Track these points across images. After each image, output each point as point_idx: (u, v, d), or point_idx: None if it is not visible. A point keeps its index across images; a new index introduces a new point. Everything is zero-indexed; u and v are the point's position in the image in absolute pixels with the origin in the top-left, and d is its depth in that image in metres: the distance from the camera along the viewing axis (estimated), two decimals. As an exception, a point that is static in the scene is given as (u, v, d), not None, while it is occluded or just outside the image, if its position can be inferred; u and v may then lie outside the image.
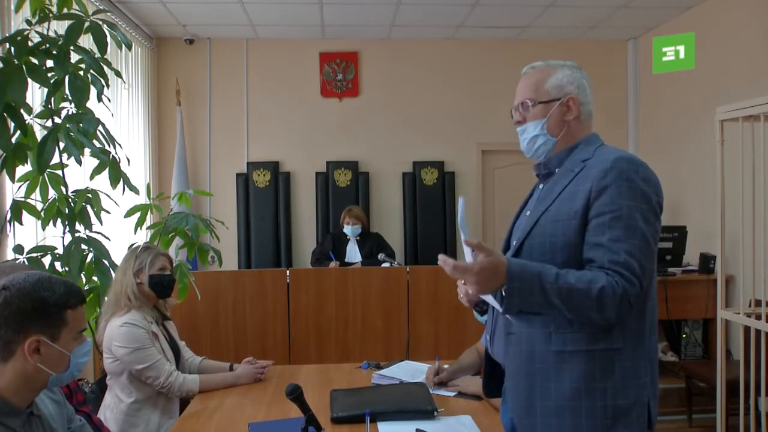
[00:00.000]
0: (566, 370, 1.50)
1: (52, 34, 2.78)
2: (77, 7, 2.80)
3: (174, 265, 2.90)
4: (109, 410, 2.54)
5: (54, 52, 2.68)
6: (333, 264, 4.90)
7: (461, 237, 1.48)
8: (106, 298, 2.68)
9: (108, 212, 3.04)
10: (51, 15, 2.76)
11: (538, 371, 1.53)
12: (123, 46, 2.88)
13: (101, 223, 2.99)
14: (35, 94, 3.33)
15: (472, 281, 1.45)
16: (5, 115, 2.54)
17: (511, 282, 1.44)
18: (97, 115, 2.86)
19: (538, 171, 1.72)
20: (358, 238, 5.11)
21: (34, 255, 2.77)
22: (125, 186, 2.96)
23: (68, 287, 1.52)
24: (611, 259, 1.45)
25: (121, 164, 2.96)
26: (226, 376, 2.68)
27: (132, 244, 2.91)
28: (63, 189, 2.89)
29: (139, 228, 3.44)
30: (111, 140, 2.91)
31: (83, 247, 2.80)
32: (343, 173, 5.86)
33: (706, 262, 4.58)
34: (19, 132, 2.61)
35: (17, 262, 2.65)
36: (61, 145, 2.74)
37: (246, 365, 2.72)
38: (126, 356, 2.48)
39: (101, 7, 4.22)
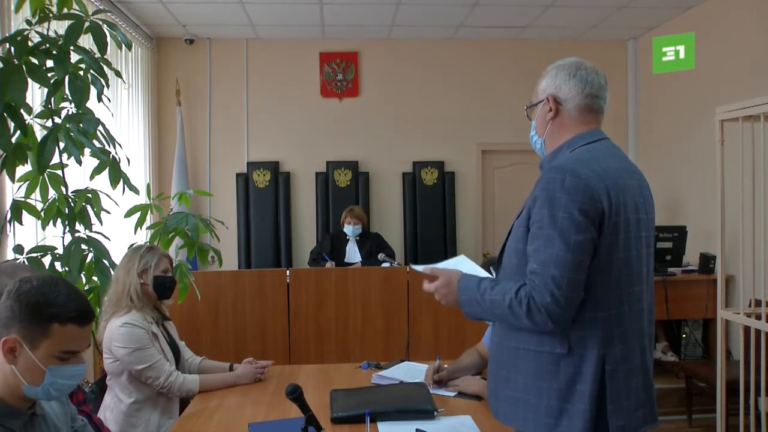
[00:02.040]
0: (521, 366, 1.61)
1: (52, 34, 2.78)
2: (77, 7, 2.79)
3: (174, 265, 2.90)
4: (109, 410, 2.54)
5: (54, 52, 2.68)
6: (329, 264, 4.90)
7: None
8: (106, 297, 2.67)
9: (108, 212, 3.03)
10: (51, 15, 2.76)
11: (502, 362, 1.67)
12: (123, 46, 2.88)
13: (101, 223, 2.99)
14: (35, 94, 3.33)
15: (437, 299, 1.73)
16: (5, 115, 2.54)
17: (459, 295, 1.67)
18: (97, 115, 2.85)
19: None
20: (357, 238, 5.12)
21: (34, 255, 2.77)
22: (125, 186, 2.96)
23: (68, 302, 1.42)
24: (529, 269, 1.54)
25: (121, 164, 2.96)
26: (226, 376, 2.68)
27: (132, 244, 2.91)
28: (63, 189, 2.89)
29: (139, 228, 3.44)
30: (111, 140, 2.91)
31: (83, 247, 2.80)
32: (343, 173, 5.86)
33: (706, 262, 4.58)
34: (19, 132, 2.61)
35: (17, 262, 2.65)
36: (61, 145, 2.73)
37: (246, 365, 2.72)
38: (126, 356, 2.48)
39: (101, 7, 4.22)
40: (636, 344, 1.59)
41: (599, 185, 1.52)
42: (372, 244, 5.11)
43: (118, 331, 2.50)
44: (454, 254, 5.89)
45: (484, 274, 1.84)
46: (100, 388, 2.84)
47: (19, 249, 2.77)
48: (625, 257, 1.56)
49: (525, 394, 1.59)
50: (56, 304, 1.41)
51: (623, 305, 1.57)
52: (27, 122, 2.67)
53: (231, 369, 2.75)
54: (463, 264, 1.95)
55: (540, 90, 1.73)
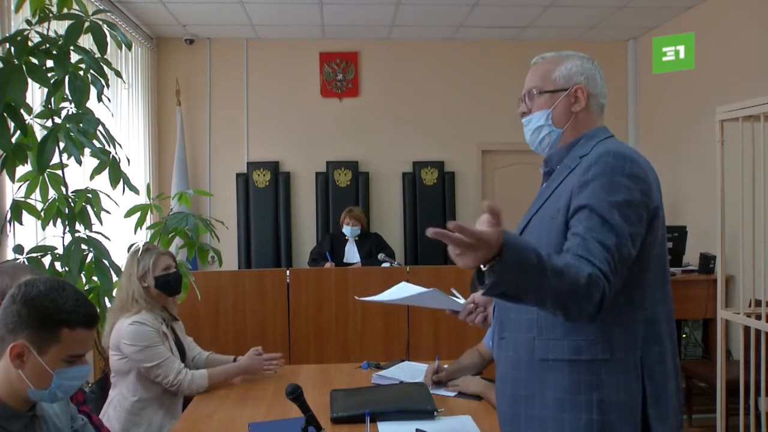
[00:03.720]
0: (550, 379, 1.43)
1: (52, 34, 2.78)
2: (77, 7, 2.79)
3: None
4: (113, 407, 2.53)
5: (54, 52, 2.68)
6: (328, 264, 4.90)
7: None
8: (111, 305, 2.68)
9: (108, 212, 3.03)
10: (51, 15, 2.76)
11: (523, 378, 1.48)
12: (123, 46, 2.88)
13: (101, 223, 2.99)
14: (35, 94, 3.33)
15: (457, 252, 1.22)
16: (5, 115, 2.54)
17: (507, 251, 1.20)
18: (97, 115, 2.85)
19: (542, 169, 1.66)
20: (356, 238, 5.11)
21: (34, 255, 2.77)
22: (125, 186, 2.96)
23: (77, 306, 1.43)
24: (586, 247, 1.32)
25: (121, 164, 2.96)
26: (231, 367, 2.68)
27: (131, 245, 2.91)
28: (63, 189, 2.89)
29: (139, 228, 3.44)
30: (111, 140, 2.91)
31: (83, 247, 2.80)
32: (343, 173, 5.86)
33: (706, 262, 4.58)
34: (19, 132, 2.61)
35: (17, 262, 2.65)
36: (61, 145, 2.74)
37: (253, 357, 2.71)
38: (135, 354, 2.48)
39: (101, 7, 4.22)
40: (669, 345, 1.48)
41: (651, 177, 1.45)
42: (371, 244, 5.11)
43: (127, 329, 2.50)
44: (454, 254, 5.89)
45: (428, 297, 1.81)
46: (101, 388, 2.85)
47: (19, 249, 2.77)
48: (661, 254, 1.48)
49: (555, 412, 1.41)
50: (65, 309, 1.41)
51: (659, 304, 1.48)
52: (27, 122, 2.68)
53: (234, 362, 2.75)
54: (405, 290, 1.94)
55: (560, 76, 1.58)
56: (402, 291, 2.06)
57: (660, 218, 1.47)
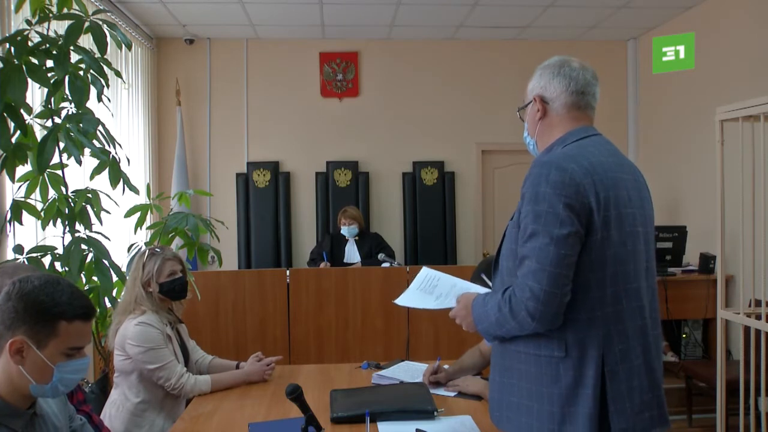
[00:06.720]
0: (523, 370, 1.58)
1: (52, 34, 2.78)
2: (77, 7, 2.80)
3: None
4: (115, 407, 2.53)
5: (54, 52, 2.68)
6: (324, 264, 4.89)
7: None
8: (113, 305, 2.67)
9: (108, 212, 3.04)
10: (51, 15, 2.76)
11: (506, 368, 1.63)
12: (123, 46, 2.88)
13: (101, 223, 2.99)
14: (35, 94, 3.33)
15: (457, 323, 1.73)
16: (5, 115, 2.54)
17: (473, 314, 1.65)
18: (97, 115, 2.86)
19: None
20: (356, 238, 5.10)
21: (34, 255, 2.78)
22: (125, 186, 2.96)
23: (73, 299, 1.44)
24: (519, 269, 1.52)
25: (121, 164, 2.96)
26: (236, 374, 2.67)
27: (131, 245, 2.91)
28: (63, 189, 2.89)
29: (139, 228, 3.44)
30: (111, 140, 2.92)
31: (83, 247, 2.80)
32: (343, 173, 5.86)
33: (706, 262, 4.58)
34: (19, 132, 2.61)
35: (18, 262, 2.65)
36: (61, 145, 2.74)
37: (254, 363, 2.71)
38: (139, 355, 2.48)
39: (101, 7, 4.23)
40: (636, 343, 1.55)
41: (586, 180, 1.50)
42: (371, 244, 5.10)
43: (133, 329, 2.49)
44: (453, 254, 5.91)
45: (447, 282, 1.88)
46: (101, 388, 2.84)
47: (19, 249, 2.78)
48: (619, 253, 1.53)
49: (527, 400, 1.56)
50: (62, 302, 1.42)
51: (621, 302, 1.53)
52: (27, 122, 2.68)
53: (237, 368, 2.74)
54: (426, 274, 1.96)
55: (528, 91, 1.75)
56: (423, 275, 2.02)
57: (609, 219, 1.52)
